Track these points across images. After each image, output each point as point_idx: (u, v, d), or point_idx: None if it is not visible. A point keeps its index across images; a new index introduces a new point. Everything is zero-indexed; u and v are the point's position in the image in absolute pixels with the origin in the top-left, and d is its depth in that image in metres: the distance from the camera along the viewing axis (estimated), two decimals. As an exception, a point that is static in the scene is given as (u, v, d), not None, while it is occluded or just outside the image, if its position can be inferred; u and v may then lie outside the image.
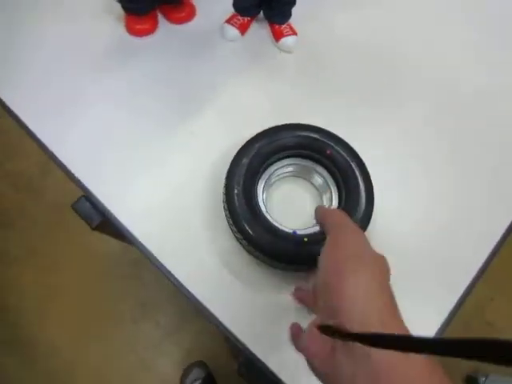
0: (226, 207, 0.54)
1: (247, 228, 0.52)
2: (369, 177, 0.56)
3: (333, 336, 0.34)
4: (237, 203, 0.53)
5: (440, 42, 0.77)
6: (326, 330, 0.35)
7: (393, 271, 0.37)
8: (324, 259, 0.38)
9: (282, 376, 0.52)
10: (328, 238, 0.40)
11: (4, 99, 0.66)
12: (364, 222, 0.54)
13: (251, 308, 0.55)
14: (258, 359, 0.52)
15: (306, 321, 0.39)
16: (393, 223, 0.61)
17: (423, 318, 0.51)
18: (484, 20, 0.81)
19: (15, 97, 0.66)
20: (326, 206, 0.59)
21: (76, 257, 1.57)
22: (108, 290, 1.53)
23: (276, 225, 0.54)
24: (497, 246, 0.61)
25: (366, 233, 0.54)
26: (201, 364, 1.43)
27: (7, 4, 0.74)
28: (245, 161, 0.55)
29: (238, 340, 0.53)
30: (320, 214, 0.44)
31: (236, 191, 0.54)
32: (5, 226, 1.64)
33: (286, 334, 0.47)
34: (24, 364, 1.46)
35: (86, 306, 1.51)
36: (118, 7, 0.71)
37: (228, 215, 0.54)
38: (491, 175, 0.66)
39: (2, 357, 1.46)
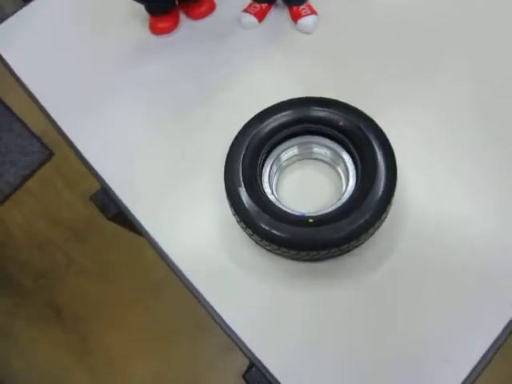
0: (226, 187, 0.51)
1: (246, 207, 0.48)
2: (390, 148, 0.49)
3: None
4: (236, 181, 0.49)
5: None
6: None
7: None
8: None
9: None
10: None
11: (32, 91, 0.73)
12: (384, 201, 0.47)
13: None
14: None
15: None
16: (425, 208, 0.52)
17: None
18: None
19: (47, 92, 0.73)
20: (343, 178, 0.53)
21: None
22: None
23: (279, 205, 0.49)
24: None
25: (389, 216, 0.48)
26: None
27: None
28: (246, 139, 0.52)
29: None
30: None
31: (236, 170, 0.50)
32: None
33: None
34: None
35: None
36: (143, 12, 0.73)
37: (228, 197, 0.50)
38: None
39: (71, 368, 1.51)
